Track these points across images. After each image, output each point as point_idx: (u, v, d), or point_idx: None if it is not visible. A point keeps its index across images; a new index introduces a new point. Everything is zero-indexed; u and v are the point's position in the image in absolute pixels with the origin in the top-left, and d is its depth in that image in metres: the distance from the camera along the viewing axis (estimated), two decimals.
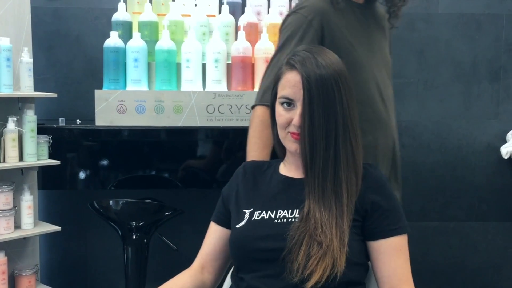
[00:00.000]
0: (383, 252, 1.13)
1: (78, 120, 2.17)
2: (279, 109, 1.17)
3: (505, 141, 2.55)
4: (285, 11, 2.23)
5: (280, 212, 1.16)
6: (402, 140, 2.52)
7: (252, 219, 1.18)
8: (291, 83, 1.14)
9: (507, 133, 2.56)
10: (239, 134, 2.08)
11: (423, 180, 2.59)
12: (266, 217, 1.16)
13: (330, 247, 1.07)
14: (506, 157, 2.52)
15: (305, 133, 1.12)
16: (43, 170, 2.05)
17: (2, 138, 1.84)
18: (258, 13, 2.21)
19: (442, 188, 2.61)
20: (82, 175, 2.09)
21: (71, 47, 2.41)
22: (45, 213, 2.34)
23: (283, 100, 1.16)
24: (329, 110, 1.12)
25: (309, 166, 1.13)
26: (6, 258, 1.89)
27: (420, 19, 2.54)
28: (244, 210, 1.20)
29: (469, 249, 2.66)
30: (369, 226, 1.14)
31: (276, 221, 1.14)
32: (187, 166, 2.11)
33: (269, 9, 2.21)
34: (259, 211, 1.18)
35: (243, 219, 1.19)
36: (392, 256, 1.13)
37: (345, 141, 1.13)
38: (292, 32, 1.45)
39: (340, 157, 1.13)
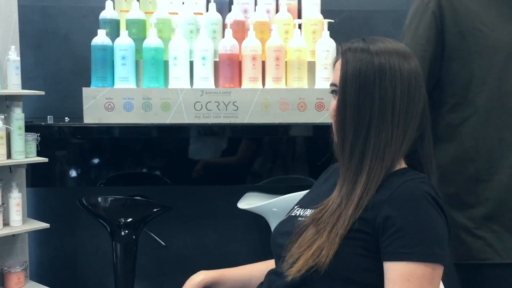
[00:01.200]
0: (388, 277, 0.97)
1: (66, 118, 2.18)
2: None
3: None
4: (272, 9, 2.25)
5: (307, 211, 1.13)
6: None
7: (289, 215, 1.18)
8: (336, 68, 1.12)
9: None
10: (227, 131, 2.10)
11: None
12: (297, 214, 1.15)
13: (321, 234, 1.00)
14: None
15: (338, 116, 1.08)
16: (32, 168, 2.06)
17: None
18: (245, 11, 2.23)
19: None
20: (70, 172, 2.10)
21: (59, 45, 2.41)
22: (34, 211, 2.35)
23: (331, 88, 1.14)
24: (365, 95, 1.04)
25: (340, 152, 1.08)
26: None
27: (405, 16, 2.56)
28: (294, 206, 1.21)
29: None
30: (381, 243, 0.99)
31: (299, 218, 1.12)
32: (175, 163, 2.13)
33: (256, 7, 2.23)
34: (298, 208, 1.18)
35: (287, 214, 1.20)
36: (395, 285, 0.95)
37: (379, 131, 1.03)
38: (411, 19, 1.37)
39: (370, 146, 1.03)
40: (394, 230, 0.97)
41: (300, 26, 2.18)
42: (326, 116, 2.09)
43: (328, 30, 2.16)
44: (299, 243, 1.03)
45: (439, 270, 0.97)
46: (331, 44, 2.14)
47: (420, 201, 0.98)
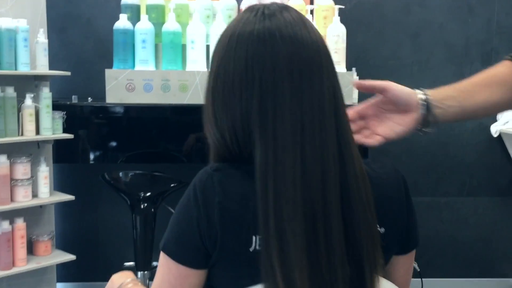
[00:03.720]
0: None
1: (89, 98, 2.30)
2: None
3: (495, 120, 2.67)
4: None
5: None
6: None
7: None
8: None
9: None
10: None
11: (416, 157, 2.72)
12: None
13: None
14: (495, 135, 2.64)
15: None
16: (57, 145, 2.19)
17: (20, 113, 1.99)
18: None
19: (434, 165, 2.74)
20: (93, 149, 2.23)
21: (82, 29, 2.54)
22: (58, 186, 2.48)
23: None
24: None
25: None
26: (25, 224, 2.04)
27: (415, 3, 2.65)
28: None
29: (460, 223, 2.79)
30: None
31: None
32: (193, 140, 2.24)
33: None
34: None
35: None
36: None
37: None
38: None
39: None
40: None
41: (312, 12, 2.27)
42: None
43: (339, 15, 2.25)
44: None
45: (172, 264, 0.81)
46: (342, 30, 2.23)
47: (188, 188, 0.83)
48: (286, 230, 0.76)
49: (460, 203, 2.78)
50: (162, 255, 0.83)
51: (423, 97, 0.97)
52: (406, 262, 0.95)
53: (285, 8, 0.84)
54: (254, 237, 0.79)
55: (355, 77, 2.32)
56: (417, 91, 0.99)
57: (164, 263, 0.83)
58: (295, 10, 0.85)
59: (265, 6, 0.84)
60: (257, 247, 0.79)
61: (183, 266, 0.81)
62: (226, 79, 0.81)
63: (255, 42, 0.79)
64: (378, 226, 0.85)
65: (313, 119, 0.79)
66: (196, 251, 0.80)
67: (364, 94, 2.66)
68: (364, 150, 2.16)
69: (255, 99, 0.79)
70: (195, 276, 0.82)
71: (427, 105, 0.97)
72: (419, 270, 2.44)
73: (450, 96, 0.99)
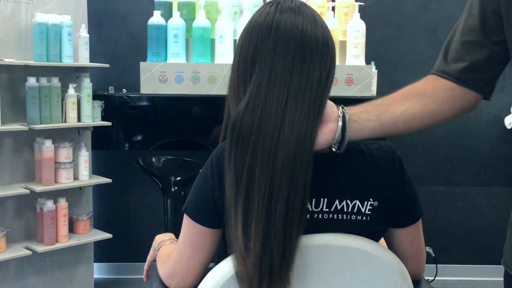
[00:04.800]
0: None
1: (124, 89, 2.47)
2: None
3: (509, 113, 2.77)
4: None
5: None
6: None
7: None
8: None
9: (511, 105, 2.78)
10: None
11: (433, 148, 2.83)
12: None
13: None
14: (509, 127, 2.74)
15: None
16: (94, 133, 2.36)
17: (64, 102, 2.16)
18: None
19: (450, 155, 2.85)
20: (127, 137, 2.39)
21: (118, 25, 2.71)
22: (94, 171, 2.65)
23: None
24: None
25: None
26: (67, 203, 2.22)
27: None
28: None
29: (475, 212, 2.90)
30: None
31: None
32: (219, 131, 2.39)
33: None
34: None
35: None
36: None
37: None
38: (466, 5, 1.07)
39: None
40: None
41: (333, 8, 2.41)
42: (355, 90, 2.33)
43: (359, 12, 2.38)
44: None
45: (191, 224, 0.97)
46: (361, 25, 2.36)
47: (207, 160, 0.98)
48: (254, 185, 0.88)
49: (475, 192, 2.89)
50: (184, 216, 0.99)
51: (340, 108, 0.96)
52: (409, 235, 1.05)
53: (301, 5, 0.97)
54: None
55: (374, 70, 2.45)
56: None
57: (186, 223, 0.99)
58: (310, 8, 0.98)
59: (283, 1, 0.97)
60: None
61: (200, 225, 0.97)
62: (244, 56, 0.95)
63: (263, 30, 0.94)
64: (371, 199, 0.97)
65: (297, 96, 0.91)
66: (210, 213, 0.96)
67: (383, 87, 2.79)
68: None
69: (255, 74, 0.93)
70: (210, 234, 0.98)
71: (344, 117, 0.95)
72: (434, 255, 2.56)
73: (366, 110, 0.98)
